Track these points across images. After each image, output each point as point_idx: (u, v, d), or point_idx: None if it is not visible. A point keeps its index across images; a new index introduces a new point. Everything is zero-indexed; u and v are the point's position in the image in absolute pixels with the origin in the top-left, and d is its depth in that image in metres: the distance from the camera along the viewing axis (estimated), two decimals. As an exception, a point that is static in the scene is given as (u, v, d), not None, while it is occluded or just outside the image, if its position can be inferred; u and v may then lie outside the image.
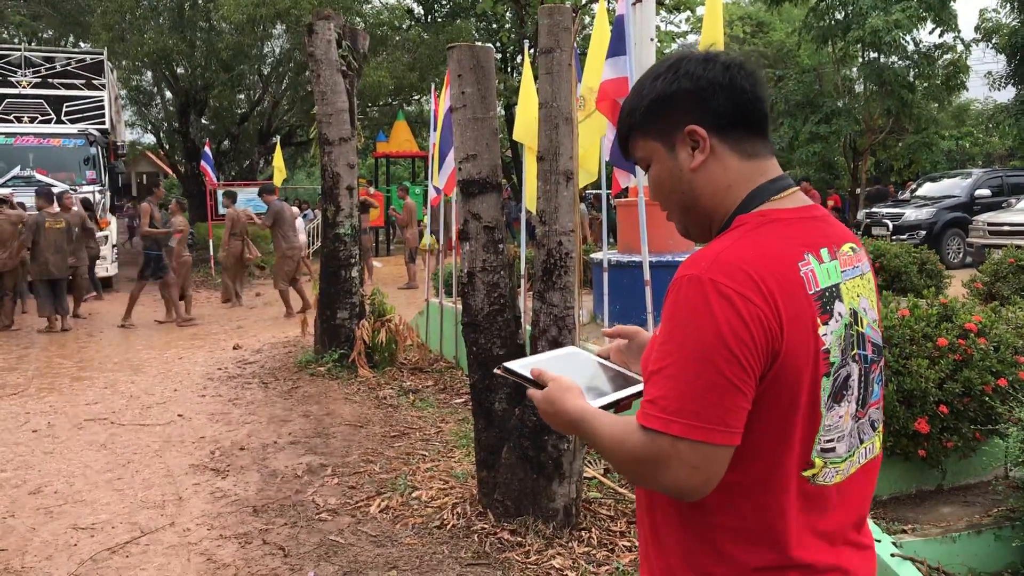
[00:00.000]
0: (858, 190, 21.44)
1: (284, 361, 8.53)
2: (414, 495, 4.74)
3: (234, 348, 9.47)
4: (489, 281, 4.48)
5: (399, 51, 22.62)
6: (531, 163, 6.36)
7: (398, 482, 4.94)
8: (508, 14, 25.63)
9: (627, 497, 4.62)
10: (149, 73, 24.48)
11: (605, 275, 5.66)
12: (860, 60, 20.62)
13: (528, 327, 4.56)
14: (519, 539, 4.07)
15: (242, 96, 26.18)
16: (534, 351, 4.29)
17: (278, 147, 17.59)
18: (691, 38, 38.46)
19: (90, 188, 14.97)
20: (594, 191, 18.92)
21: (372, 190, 19.02)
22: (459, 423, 6.25)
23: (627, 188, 6.78)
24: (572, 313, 4.27)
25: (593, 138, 5.33)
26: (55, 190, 12.09)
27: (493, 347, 4.46)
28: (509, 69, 25.67)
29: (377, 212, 18.62)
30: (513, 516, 4.28)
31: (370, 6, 24.62)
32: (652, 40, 6.95)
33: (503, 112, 25.72)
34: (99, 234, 14.36)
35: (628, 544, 4.05)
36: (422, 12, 26.98)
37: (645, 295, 5.06)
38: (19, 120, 15.79)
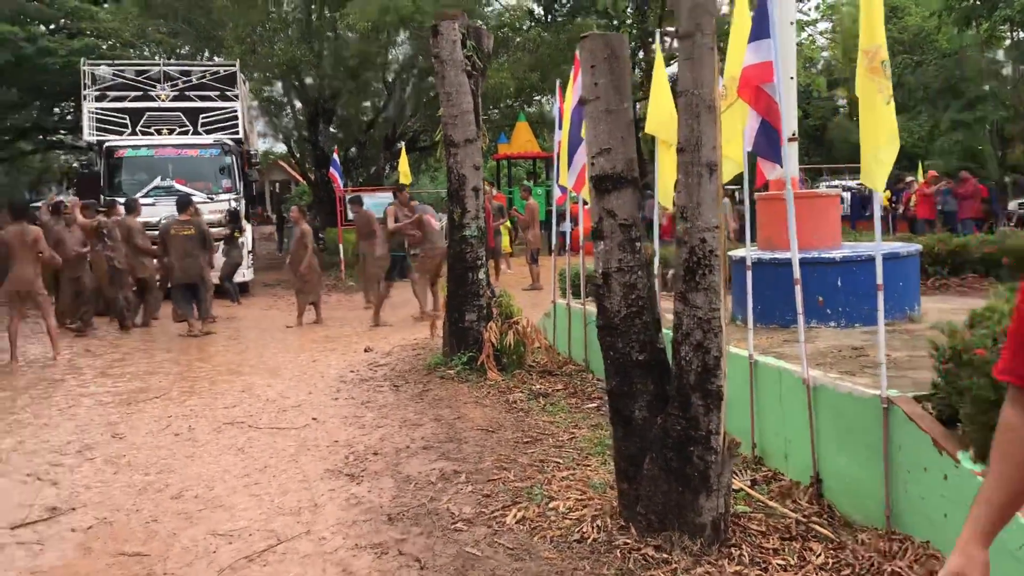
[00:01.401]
0: (1007, 178, 20.11)
1: (414, 364, 8.52)
2: (551, 505, 4.56)
3: (365, 351, 9.55)
4: (626, 282, 4.25)
5: (520, 52, 22.59)
6: (664, 157, 6.11)
7: (534, 491, 4.77)
8: (629, 9, 25.26)
9: (778, 511, 4.32)
10: (279, 84, 25.27)
11: (748, 274, 5.34)
12: (1008, 41, 19.34)
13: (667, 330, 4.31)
14: (664, 555, 3.83)
15: (368, 103, 26.73)
16: (676, 356, 4.05)
17: (403, 152, 17.79)
18: (821, 26, 37.12)
19: (226, 196, 15.49)
20: (731, 186, 18.35)
21: (495, 192, 19.02)
22: (592, 429, 6.04)
23: (767, 182, 6.43)
24: (718, 315, 3.99)
25: (736, 128, 5.03)
26: (195, 198, 12.61)
27: (632, 351, 4.23)
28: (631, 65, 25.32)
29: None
30: (657, 531, 4.04)
31: (491, 8, 24.72)
32: (792, 24, 6.58)
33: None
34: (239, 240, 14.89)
35: (782, 563, 3.76)
36: (542, 12, 26.90)
37: (794, 294, 4.72)
38: (159, 132, 16.51)
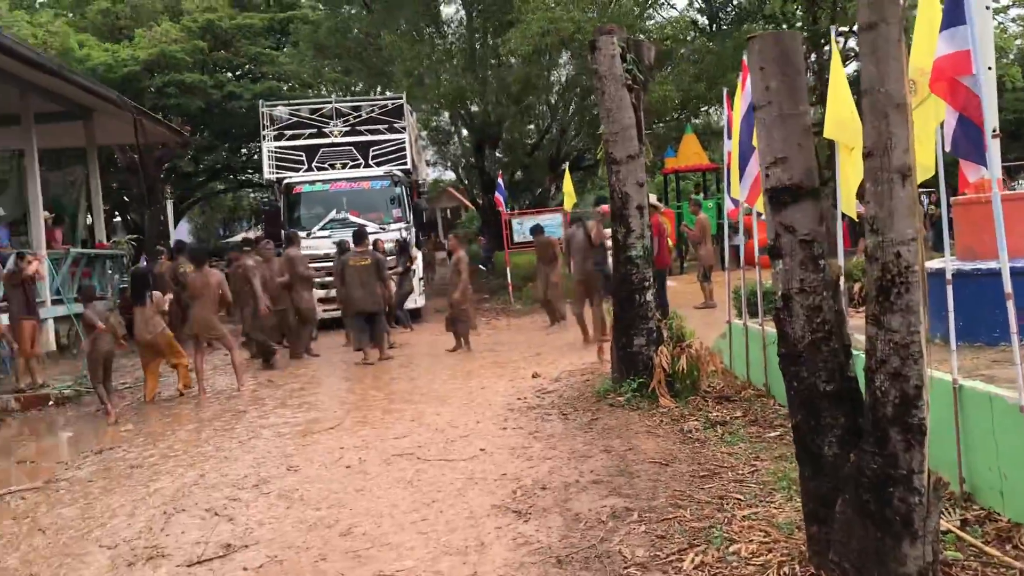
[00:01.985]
0: None
1: (582, 390, 8.27)
2: (731, 549, 4.17)
3: (533, 376, 9.38)
4: (809, 304, 3.83)
5: (684, 63, 22.06)
6: (846, 162, 5.61)
7: (713, 533, 4.39)
8: (799, 11, 24.22)
9: (996, 559, 3.77)
10: (446, 113, 25.82)
11: (949, 288, 4.77)
12: None
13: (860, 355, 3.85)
14: (865, 613, 3.38)
15: (532, 127, 26.90)
16: (870, 386, 3.60)
17: (567, 173, 17.68)
18: (1013, 12, 34.40)
19: (397, 226, 15.84)
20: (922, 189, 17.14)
21: (663, 207, 18.55)
22: (776, 461, 5.58)
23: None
24: (918, 339, 3.52)
25: (928, 127, 4.51)
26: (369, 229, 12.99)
27: (818, 382, 3.81)
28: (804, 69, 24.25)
29: (669, 229, 18.12)
30: (854, 581, 3.60)
31: (652, 22, 24.33)
32: (988, 8, 5.92)
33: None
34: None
35: (1008, 623, 3.23)
36: (706, 22, 26.25)
37: (1005, 309, 4.15)
38: (333, 167, 17.14)
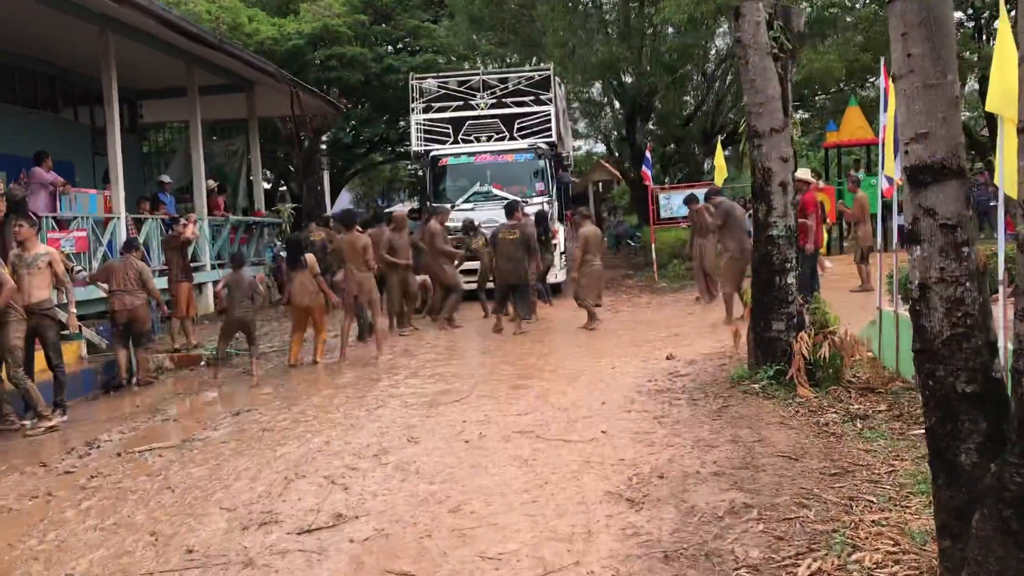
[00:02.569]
0: None
1: (716, 375, 7.94)
2: (853, 557, 3.85)
3: (667, 358, 9.09)
4: (949, 296, 3.45)
5: (850, 31, 20.80)
6: (1011, 137, 5.05)
7: (835, 538, 4.07)
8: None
9: None
10: (598, 85, 25.44)
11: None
12: None
13: (1008, 354, 3.44)
14: (999, 645, 3.03)
15: (687, 98, 26.15)
16: (1016, 390, 3.20)
17: (718, 146, 17.08)
18: None
19: (539, 199, 15.74)
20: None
21: (821, 184, 17.64)
22: (917, 461, 5.13)
23: None
24: (1076, 339, 3.10)
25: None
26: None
27: (957, 382, 3.43)
28: (985, 36, 22.46)
29: (828, 207, 17.22)
30: (990, 606, 3.23)
31: (817, -11, 23.07)
32: None
33: (976, 85, 22.60)
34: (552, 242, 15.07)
35: None
36: (875, -13, 24.64)
37: None
38: (478, 140, 17.19)
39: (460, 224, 14.13)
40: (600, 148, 34.26)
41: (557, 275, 15.76)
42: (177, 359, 10.79)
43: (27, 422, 7.89)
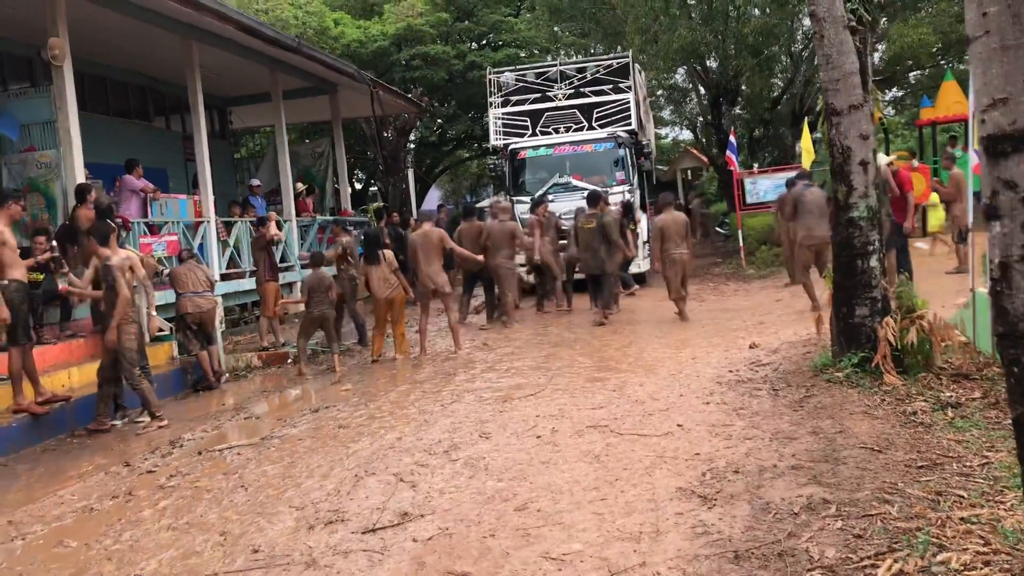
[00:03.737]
0: None
1: (800, 364, 7.62)
2: (939, 558, 3.60)
3: (750, 347, 8.81)
4: (1035, 275, 3.18)
5: (944, 2, 19.83)
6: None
7: (919, 536, 3.81)
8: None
9: None
10: (682, 71, 24.94)
11: None
12: None
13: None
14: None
15: (775, 80, 25.42)
16: (1112, 375, 2.92)
17: (805, 128, 16.52)
18: None
19: (620, 188, 15.51)
20: None
21: (916, 163, 16.89)
22: (1014, 452, 4.79)
23: None
24: None
25: None
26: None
27: (1045, 367, 3.16)
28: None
29: (923, 187, 16.46)
30: (1087, 612, 2.97)
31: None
32: None
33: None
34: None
35: None
36: (974, -47, 23.43)
37: None
38: (556, 131, 17.03)
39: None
40: (687, 135, 33.63)
41: (640, 264, 15.51)
42: (265, 357, 11.01)
43: (117, 422, 8.14)
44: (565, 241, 13.47)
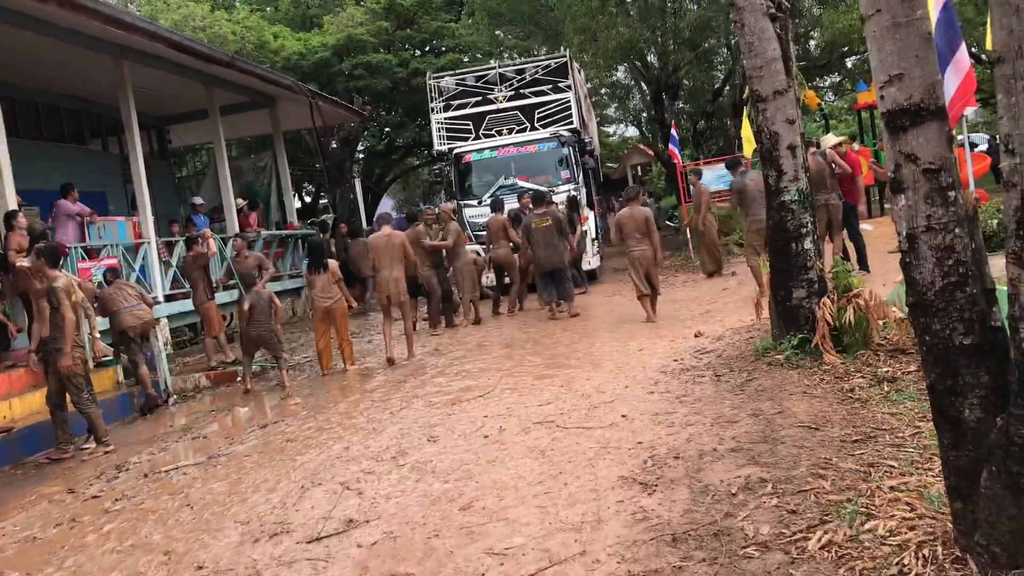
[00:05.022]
0: None
1: (743, 349, 7.72)
2: (867, 526, 3.67)
3: (695, 336, 8.91)
4: (938, 244, 3.27)
5: (872, -13, 20.18)
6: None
7: (847, 508, 3.89)
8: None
9: None
10: (622, 68, 25.12)
11: None
12: None
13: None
14: (1014, 609, 2.85)
15: (716, 72, 25.72)
16: (1015, 338, 3.01)
17: (744, 118, 16.73)
18: None
19: (565, 187, 15.59)
20: None
21: (856, 146, 17.19)
22: (943, 421, 4.90)
23: None
24: (1071, 281, 2.90)
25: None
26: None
27: (954, 334, 3.25)
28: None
29: (865, 169, 16.77)
30: (1005, 567, 3.05)
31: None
32: None
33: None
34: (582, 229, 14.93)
35: None
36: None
37: None
38: (499, 133, 17.07)
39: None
40: (633, 131, 33.89)
41: (590, 261, 15.60)
42: (213, 376, 10.89)
43: (87, 447, 8.03)
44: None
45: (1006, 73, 2.95)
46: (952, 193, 3.26)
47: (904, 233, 3.39)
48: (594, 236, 16.10)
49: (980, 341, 3.22)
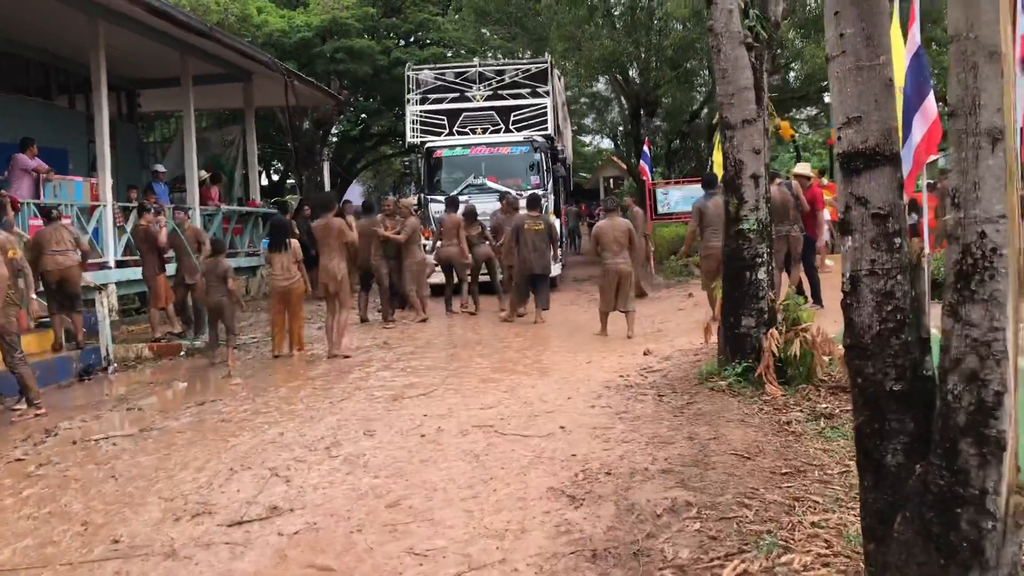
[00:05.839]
0: None
1: (688, 371, 7.76)
2: (783, 559, 3.70)
3: (644, 354, 8.94)
4: (879, 289, 3.30)
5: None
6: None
7: (766, 539, 3.92)
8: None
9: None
10: (603, 79, 25.18)
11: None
12: None
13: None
14: (912, 655, 2.88)
15: (695, 93, 25.87)
16: (942, 388, 3.05)
17: (716, 141, 16.85)
18: None
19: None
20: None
21: (825, 181, 17.40)
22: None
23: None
24: (1002, 337, 2.94)
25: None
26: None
27: (886, 380, 3.28)
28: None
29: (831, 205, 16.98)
30: (910, 613, 3.08)
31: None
32: None
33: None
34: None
35: None
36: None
37: None
38: (473, 132, 17.02)
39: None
40: (609, 143, 34.01)
41: (553, 268, 15.58)
42: (156, 348, 10.72)
43: (20, 407, 7.83)
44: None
45: (959, 128, 2.99)
46: (898, 240, 3.30)
47: (847, 275, 3.41)
48: (559, 243, 16.13)
49: (910, 389, 3.26)
